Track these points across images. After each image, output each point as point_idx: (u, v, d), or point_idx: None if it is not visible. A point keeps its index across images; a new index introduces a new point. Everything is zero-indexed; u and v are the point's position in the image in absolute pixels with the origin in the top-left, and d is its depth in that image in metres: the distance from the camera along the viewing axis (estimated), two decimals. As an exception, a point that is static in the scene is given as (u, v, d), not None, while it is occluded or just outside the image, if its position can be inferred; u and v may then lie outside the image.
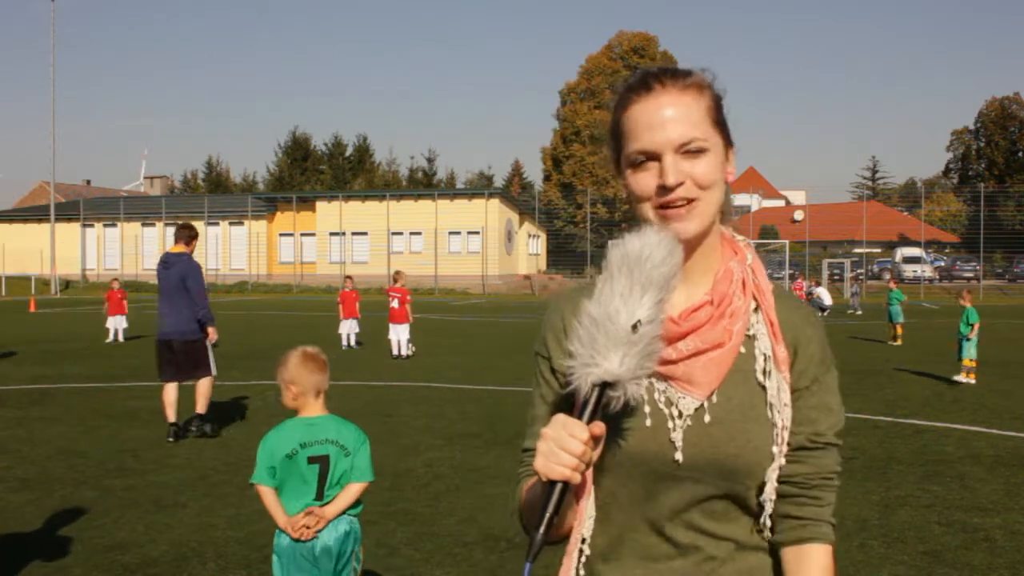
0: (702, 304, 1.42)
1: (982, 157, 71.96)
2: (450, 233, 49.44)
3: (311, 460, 3.40)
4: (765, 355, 1.44)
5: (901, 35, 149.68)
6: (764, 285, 1.48)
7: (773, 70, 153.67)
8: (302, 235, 51.89)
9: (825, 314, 29.84)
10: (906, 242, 57.01)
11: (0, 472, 7.21)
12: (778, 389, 1.43)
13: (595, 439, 1.27)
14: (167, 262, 8.73)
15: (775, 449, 1.42)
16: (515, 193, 66.66)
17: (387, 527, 5.66)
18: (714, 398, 1.41)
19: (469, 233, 49.33)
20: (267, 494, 3.43)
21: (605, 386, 1.27)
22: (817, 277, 39.71)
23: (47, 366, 14.67)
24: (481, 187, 60.74)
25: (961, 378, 12.40)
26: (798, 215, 69.97)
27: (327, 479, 3.40)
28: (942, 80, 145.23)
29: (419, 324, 17.18)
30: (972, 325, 12.75)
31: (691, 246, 1.42)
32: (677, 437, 1.40)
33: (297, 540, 3.35)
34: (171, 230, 53.04)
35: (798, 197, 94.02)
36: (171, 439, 8.42)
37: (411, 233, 49.95)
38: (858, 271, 47.53)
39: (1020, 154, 69.57)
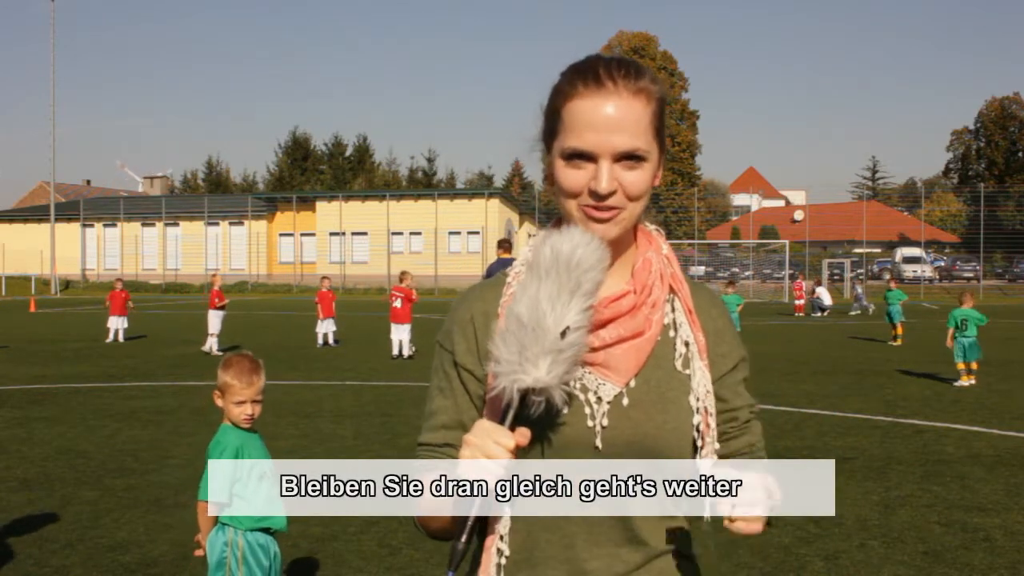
0: (624, 293, 1.42)
1: (982, 157, 72.02)
2: (450, 233, 49.49)
3: None
4: (687, 343, 1.46)
5: (901, 35, 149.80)
6: (680, 275, 1.49)
7: (773, 70, 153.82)
8: (302, 235, 51.94)
9: (825, 314, 29.84)
10: (906, 242, 57.05)
11: (0, 472, 7.21)
12: (701, 376, 1.45)
13: (518, 447, 1.26)
14: (491, 269, 12.08)
15: (707, 437, 1.44)
16: (515, 193, 66.68)
17: (387, 527, 5.66)
18: (632, 383, 1.40)
19: (469, 233, 49.38)
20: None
21: (529, 391, 1.27)
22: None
23: (47, 366, 14.67)
24: (481, 187, 60.74)
25: (962, 382, 12.36)
26: (798, 215, 70.05)
27: None
28: (942, 80, 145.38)
29: (419, 324, 17.16)
30: (950, 329, 12.70)
31: (610, 242, 1.40)
32: (596, 423, 1.38)
33: None
34: (171, 230, 53.29)
35: (798, 197, 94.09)
36: None
37: (411, 233, 49.99)
38: (858, 271, 47.51)
39: (1020, 154, 69.62)
